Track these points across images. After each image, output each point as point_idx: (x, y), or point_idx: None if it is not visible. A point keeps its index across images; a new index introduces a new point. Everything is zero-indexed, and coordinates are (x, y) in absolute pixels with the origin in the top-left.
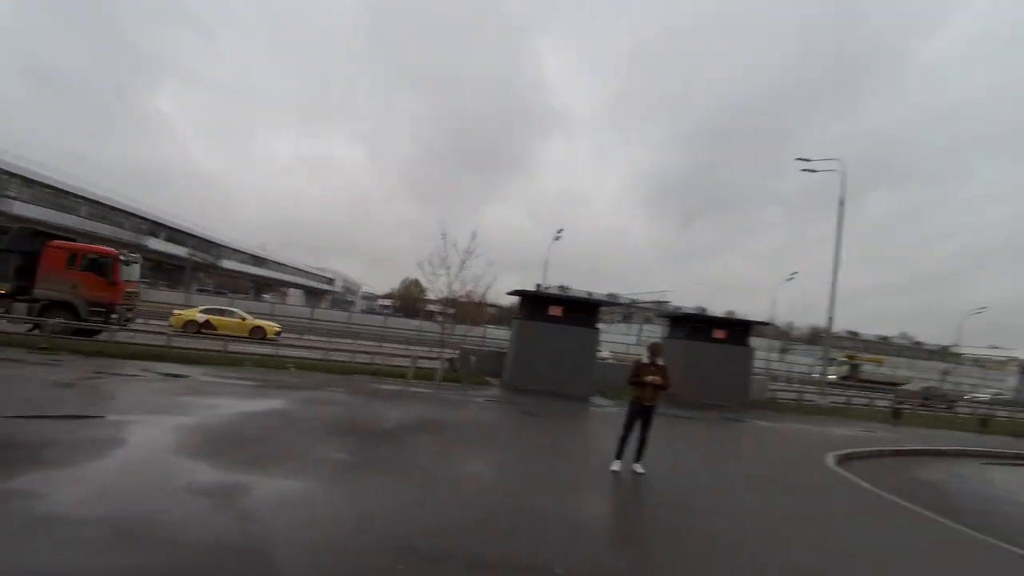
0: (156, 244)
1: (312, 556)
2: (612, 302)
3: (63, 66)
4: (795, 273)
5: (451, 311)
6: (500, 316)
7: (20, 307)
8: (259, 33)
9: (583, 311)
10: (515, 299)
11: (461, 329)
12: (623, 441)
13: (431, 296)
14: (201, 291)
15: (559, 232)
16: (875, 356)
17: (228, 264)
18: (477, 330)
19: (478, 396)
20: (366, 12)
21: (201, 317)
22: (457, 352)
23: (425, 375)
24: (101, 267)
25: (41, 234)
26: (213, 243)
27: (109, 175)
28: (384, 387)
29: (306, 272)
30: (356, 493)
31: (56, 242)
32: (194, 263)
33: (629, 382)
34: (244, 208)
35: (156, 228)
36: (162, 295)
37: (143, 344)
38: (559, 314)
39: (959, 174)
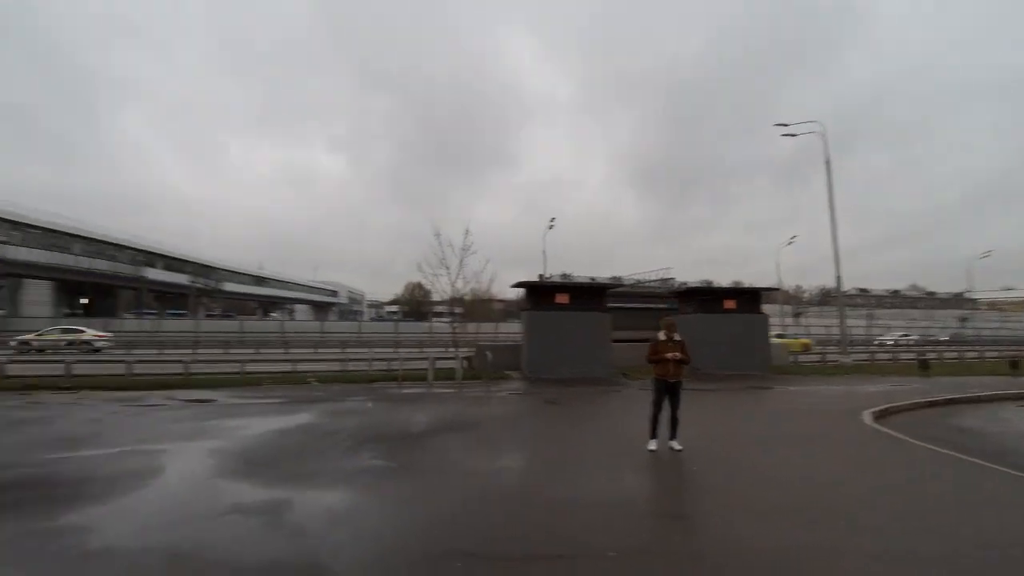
0: (154, 274)
1: (368, 567)
2: (617, 284)
3: (20, 100)
4: (794, 237)
5: (459, 310)
6: (508, 310)
7: None
8: (217, 47)
9: (590, 296)
10: (521, 291)
11: (472, 327)
12: (655, 419)
13: (436, 297)
14: (210, 316)
15: (552, 221)
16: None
17: (230, 287)
18: (487, 326)
19: (500, 391)
20: (321, 16)
21: None
22: (473, 350)
23: (445, 375)
24: None
25: None
26: (212, 267)
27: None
28: (407, 391)
29: (309, 287)
30: (400, 500)
31: None
32: (197, 289)
33: (648, 360)
34: (232, 228)
35: (152, 258)
36: (173, 324)
37: (171, 373)
38: (566, 301)
39: (946, 122)
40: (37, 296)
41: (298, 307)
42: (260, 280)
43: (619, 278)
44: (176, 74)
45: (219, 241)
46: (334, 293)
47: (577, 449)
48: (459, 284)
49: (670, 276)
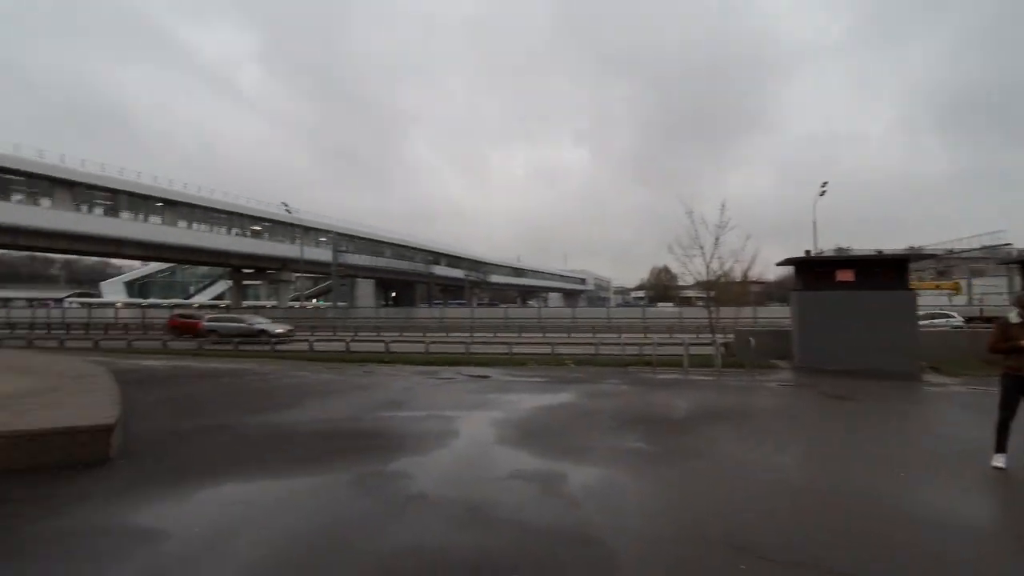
0: (440, 270)
1: (644, 547)
2: (921, 255)
3: (342, 141)
4: None
5: (710, 293)
6: (768, 292)
7: None
8: (474, 69)
9: (884, 271)
10: (785, 271)
11: (729, 311)
12: (1004, 427)
13: (688, 280)
14: (480, 304)
15: (823, 186)
16: None
17: (495, 278)
18: (745, 311)
19: (768, 380)
20: (555, 15)
21: None
22: (731, 335)
23: (701, 362)
24: None
25: None
26: (481, 262)
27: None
28: (662, 376)
29: (560, 276)
30: (665, 483)
31: None
32: (470, 282)
33: (993, 350)
34: (496, 227)
35: (438, 257)
36: (453, 312)
37: (456, 352)
38: (850, 279)
39: None
40: (365, 292)
41: (551, 295)
42: (518, 272)
43: (918, 248)
44: (447, 100)
45: (485, 238)
46: (582, 281)
47: (884, 454)
48: (714, 265)
49: (1003, 242)
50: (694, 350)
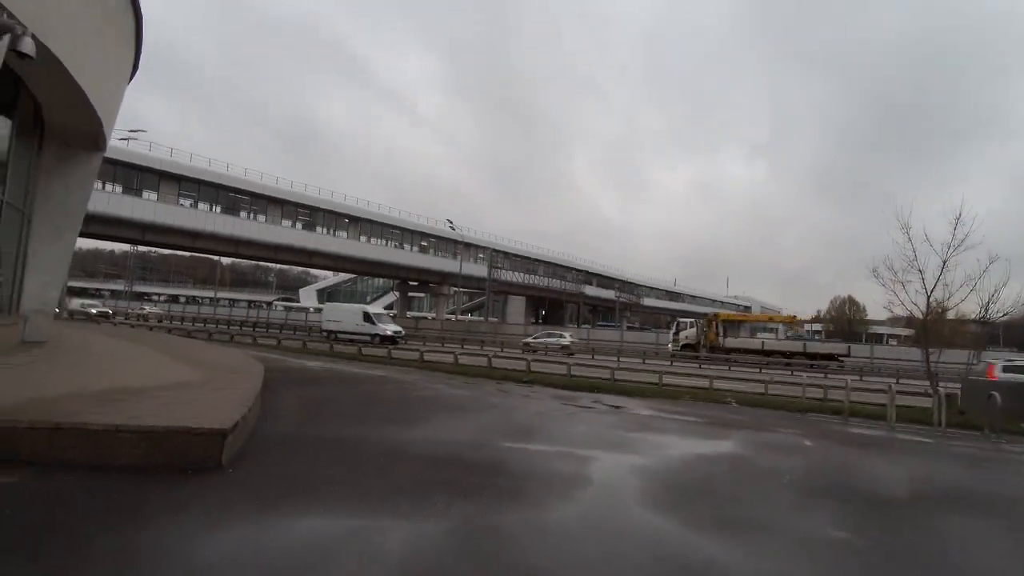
0: (591, 291)
1: None
2: None
3: (508, 162)
4: None
5: (906, 332)
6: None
7: None
8: (642, 82)
9: None
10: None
11: (951, 355)
12: None
13: (898, 310)
14: (631, 328)
15: None
16: None
17: (648, 301)
18: (959, 354)
19: (1020, 451)
20: (738, 11)
21: None
22: (961, 385)
23: (914, 416)
24: None
25: None
26: (634, 284)
27: (546, 239)
28: (857, 431)
29: (721, 302)
30: None
31: None
32: (622, 304)
33: None
34: (652, 247)
35: (589, 277)
36: (601, 333)
37: (600, 378)
38: None
39: None
40: (516, 308)
41: None
42: (673, 295)
43: None
44: (611, 115)
45: (641, 260)
46: (747, 309)
47: None
48: (939, 293)
49: None
50: (901, 400)
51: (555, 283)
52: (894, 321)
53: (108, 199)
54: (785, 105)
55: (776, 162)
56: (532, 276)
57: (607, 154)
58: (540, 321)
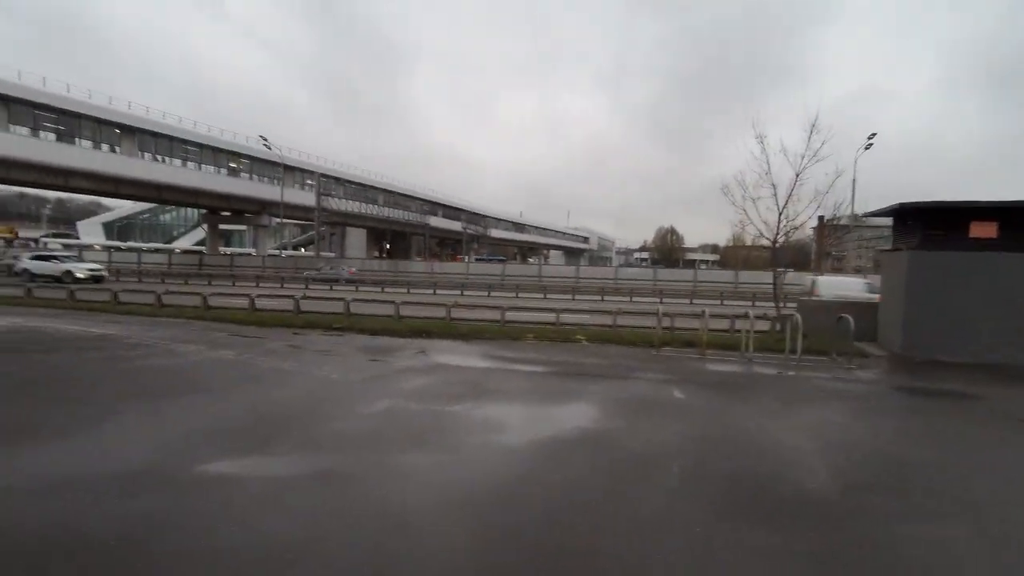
0: (436, 221)
1: None
2: None
3: (338, 74)
4: None
5: (778, 244)
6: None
7: None
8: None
9: None
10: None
11: (790, 276)
12: None
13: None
14: (479, 259)
15: (870, 138)
16: None
17: (495, 233)
18: (806, 276)
19: (888, 381)
20: None
21: None
22: (793, 307)
23: (763, 343)
24: None
25: None
26: (480, 215)
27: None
28: (718, 367)
29: (563, 233)
30: None
31: None
32: (469, 235)
33: None
34: (498, 177)
35: (434, 207)
36: (446, 267)
37: (434, 318)
38: (991, 234)
39: None
40: (356, 242)
41: (552, 253)
42: (520, 227)
43: None
44: (456, 36)
45: (486, 191)
46: (585, 240)
47: None
48: (790, 212)
49: None
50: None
51: (398, 213)
52: (703, 248)
53: None
54: (629, 42)
55: (615, 98)
56: (371, 206)
57: (456, 79)
58: (384, 255)
